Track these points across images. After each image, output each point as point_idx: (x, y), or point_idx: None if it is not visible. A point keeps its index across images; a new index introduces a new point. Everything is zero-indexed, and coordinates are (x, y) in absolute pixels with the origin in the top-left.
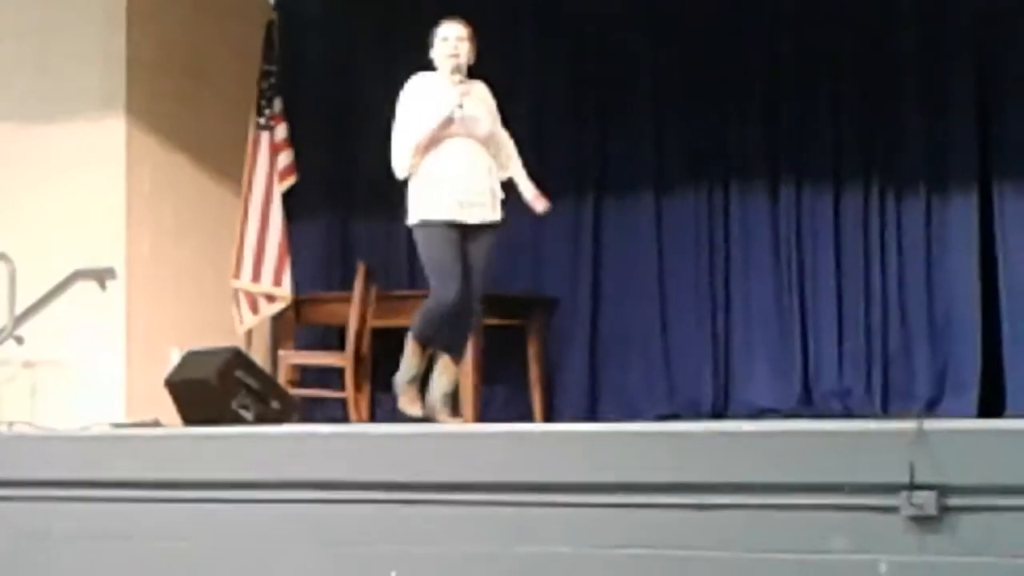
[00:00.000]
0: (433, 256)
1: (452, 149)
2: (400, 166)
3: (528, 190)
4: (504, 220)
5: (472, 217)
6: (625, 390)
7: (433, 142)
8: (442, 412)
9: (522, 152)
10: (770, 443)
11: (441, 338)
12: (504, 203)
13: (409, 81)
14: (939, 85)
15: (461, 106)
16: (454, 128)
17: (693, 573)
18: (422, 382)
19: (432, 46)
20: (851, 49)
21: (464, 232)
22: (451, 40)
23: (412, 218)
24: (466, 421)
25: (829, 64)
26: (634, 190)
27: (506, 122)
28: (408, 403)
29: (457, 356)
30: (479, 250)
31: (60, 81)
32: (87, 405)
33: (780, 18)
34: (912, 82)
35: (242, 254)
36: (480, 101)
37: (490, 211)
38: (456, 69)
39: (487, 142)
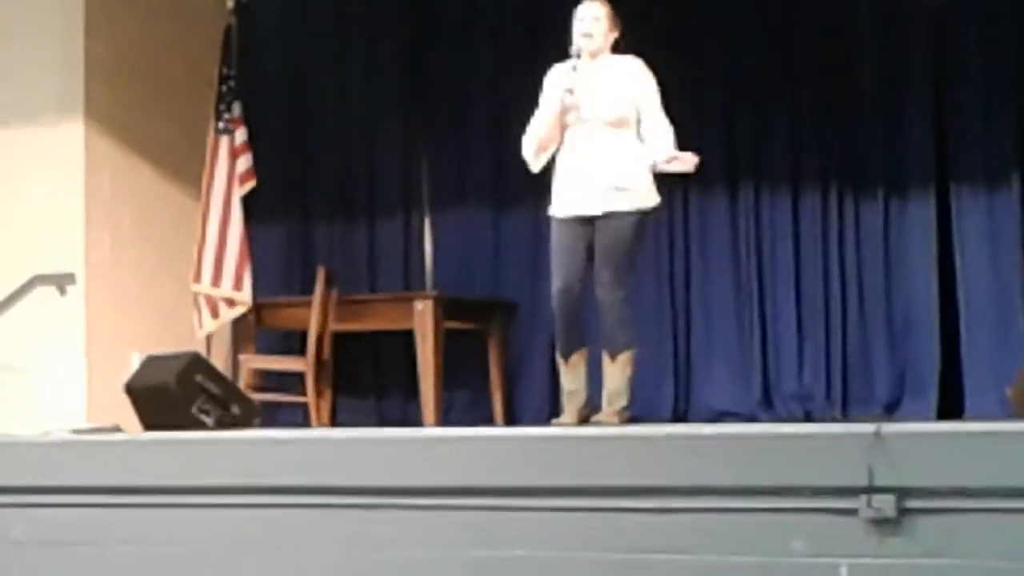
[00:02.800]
0: (552, 250)
1: (572, 138)
2: (528, 161)
3: (674, 162)
4: (652, 209)
5: (591, 209)
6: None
7: (558, 132)
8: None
9: (481, 154)
10: (730, 446)
11: (560, 336)
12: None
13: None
14: (896, 88)
15: (571, 92)
16: (571, 116)
17: None
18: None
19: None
20: (808, 52)
21: (591, 224)
22: (584, 21)
23: None
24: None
25: (786, 68)
26: None
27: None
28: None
29: (563, 354)
30: (603, 239)
31: (18, 86)
32: (47, 411)
33: (737, 21)
34: (869, 85)
35: (202, 258)
36: (611, 82)
37: (611, 201)
38: (582, 52)
39: (618, 126)
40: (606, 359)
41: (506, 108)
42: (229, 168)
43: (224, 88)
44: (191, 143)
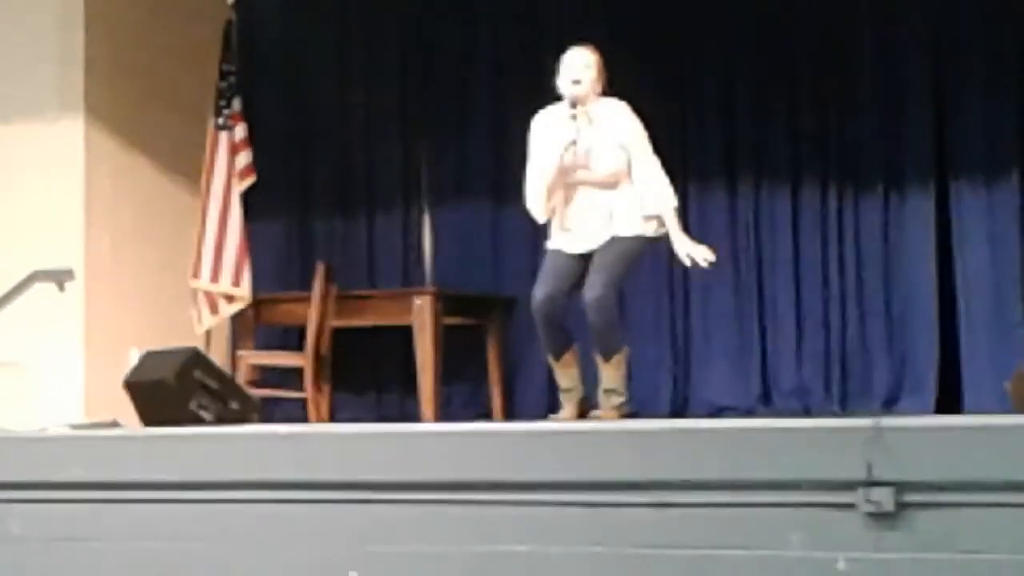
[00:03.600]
0: (542, 264)
1: (571, 198)
2: (534, 212)
3: (679, 243)
4: (654, 237)
5: (589, 247)
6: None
7: (560, 179)
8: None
9: (480, 150)
10: (728, 441)
11: (545, 341)
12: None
13: (533, 119)
14: (895, 83)
15: (575, 142)
16: (571, 167)
17: (651, 571)
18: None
19: (558, 74)
20: (808, 48)
21: (587, 257)
22: (574, 68)
23: None
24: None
25: (786, 63)
26: None
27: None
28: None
29: (553, 356)
30: (602, 255)
31: (18, 83)
32: (46, 406)
33: (737, 17)
34: (869, 81)
35: (201, 254)
36: (603, 134)
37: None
38: (576, 100)
39: (612, 181)
40: (600, 360)
41: (506, 104)
42: (229, 164)
43: (224, 84)
44: (191, 139)
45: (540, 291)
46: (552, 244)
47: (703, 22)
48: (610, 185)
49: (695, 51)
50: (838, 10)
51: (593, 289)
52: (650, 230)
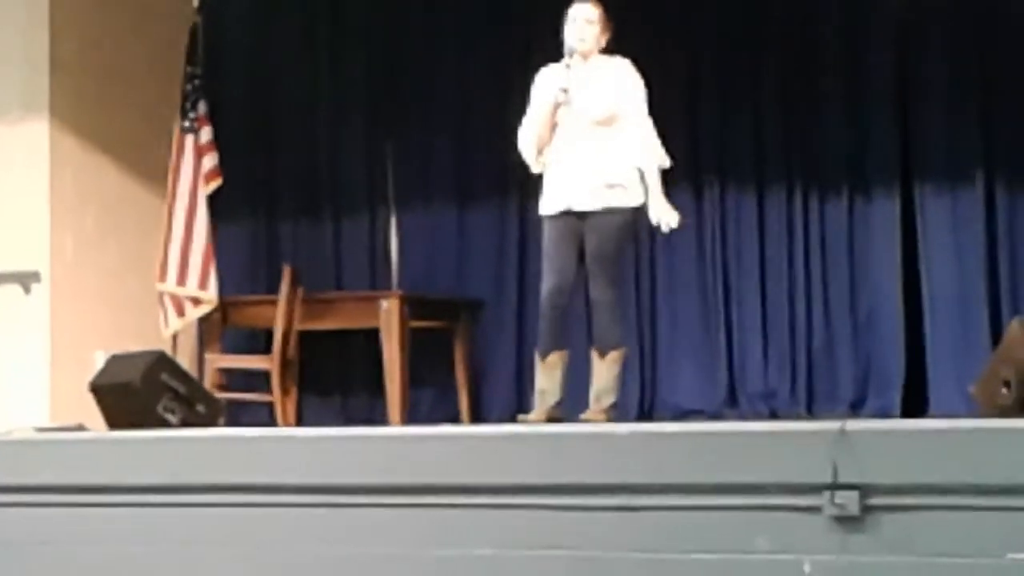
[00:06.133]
0: (544, 250)
1: (563, 136)
2: (529, 162)
3: (654, 204)
4: (642, 206)
5: (583, 204)
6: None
7: (549, 130)
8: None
9: (446, 153)
10: (694, 444)
11: (543, 334)
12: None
13: (537, 74)
14: (860, 88)
15: (566, 91)
16: (563, 114)
17: (617, 574)
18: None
19: (563, 27)
20: (772, 51)
21: (582, 220)
22: (577, 22)
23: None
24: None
25: (751, 67)
26: None
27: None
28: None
29: (542, 353)
30: (594, 238)
31: None
32: (10, 409)
33: (701, 21)
34: (833, 83)
35: (167, 257)
36: (601, 82)
37: (604, 198)
38: (573, 52)
39: (608, 124)
40: (595, 357)
41: (472, 108)
42: (195, 167)
43: (189, 87)
44: (156, 141)
45: (548, 281)
46: (548, 208)
47: (667, 25)
48: (604, 134)
49: (659, 53)
50: (803, 13)
51: (598, 289)
52: (640, 197)
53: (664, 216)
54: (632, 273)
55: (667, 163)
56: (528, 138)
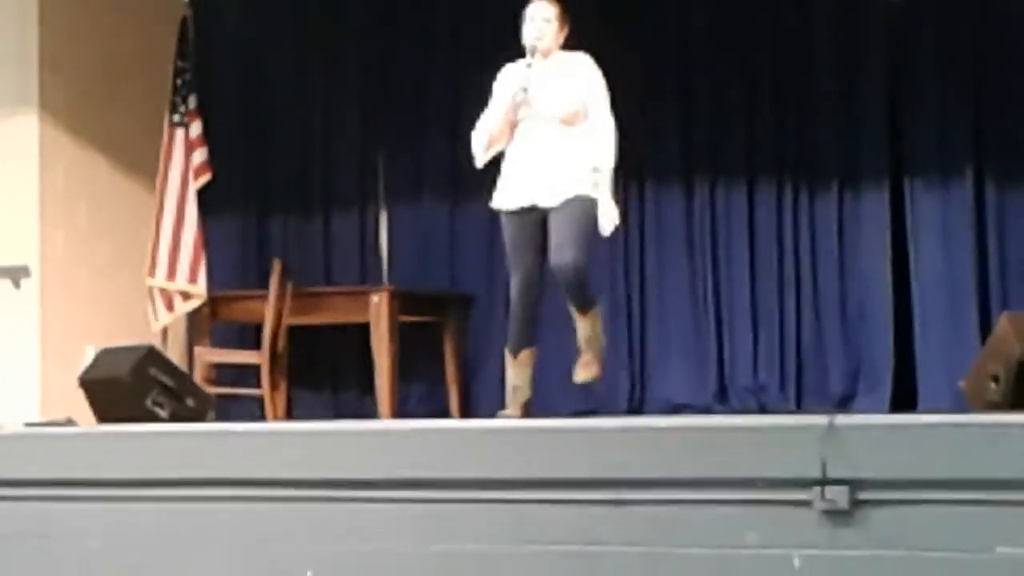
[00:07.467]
0: (507, 246)
1: (522, 133)
2: (476, 155)
3: (602, 203)
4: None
5: (542, 200)
6: (542, 386)
7: (508, 128)
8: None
9: (437, 148)
10: (684, 439)
11: (513, 332)
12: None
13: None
14: (851, 83)
15: (525, 90)
16: (524, 111)
17: (607, 568)
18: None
19: (521, 27)
20: (764, 47)
21: (542, 215)
22: (535, 21)
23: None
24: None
25: (742, 62)
26: None
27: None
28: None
29: (513, 350)
30: (556, 218)
31: None
32: (0, 404)
33: (693, 17)
34: (824, 80)
35: (157, 251)
36: (563, 79)
37: (563, 193)
38: (535, 51)
39: (571, 122)
40: (576, 314)
41: (462, 103)
42: (185, 161)
43: (180, 81)
44: (147, 136)
45: (515, 277)
46: (504, 202)
47: (660, 22)
48: (566, 132)
49: (651, 51)
50: (794, 10)
51: (564, 252)
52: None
53: (608, 215)
54: (622, 269)
55: (612, 163)
56: (481, 132)
